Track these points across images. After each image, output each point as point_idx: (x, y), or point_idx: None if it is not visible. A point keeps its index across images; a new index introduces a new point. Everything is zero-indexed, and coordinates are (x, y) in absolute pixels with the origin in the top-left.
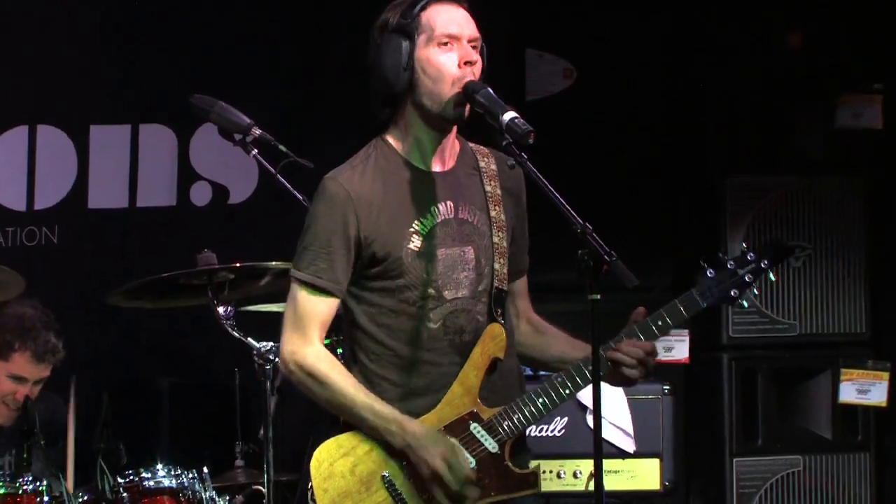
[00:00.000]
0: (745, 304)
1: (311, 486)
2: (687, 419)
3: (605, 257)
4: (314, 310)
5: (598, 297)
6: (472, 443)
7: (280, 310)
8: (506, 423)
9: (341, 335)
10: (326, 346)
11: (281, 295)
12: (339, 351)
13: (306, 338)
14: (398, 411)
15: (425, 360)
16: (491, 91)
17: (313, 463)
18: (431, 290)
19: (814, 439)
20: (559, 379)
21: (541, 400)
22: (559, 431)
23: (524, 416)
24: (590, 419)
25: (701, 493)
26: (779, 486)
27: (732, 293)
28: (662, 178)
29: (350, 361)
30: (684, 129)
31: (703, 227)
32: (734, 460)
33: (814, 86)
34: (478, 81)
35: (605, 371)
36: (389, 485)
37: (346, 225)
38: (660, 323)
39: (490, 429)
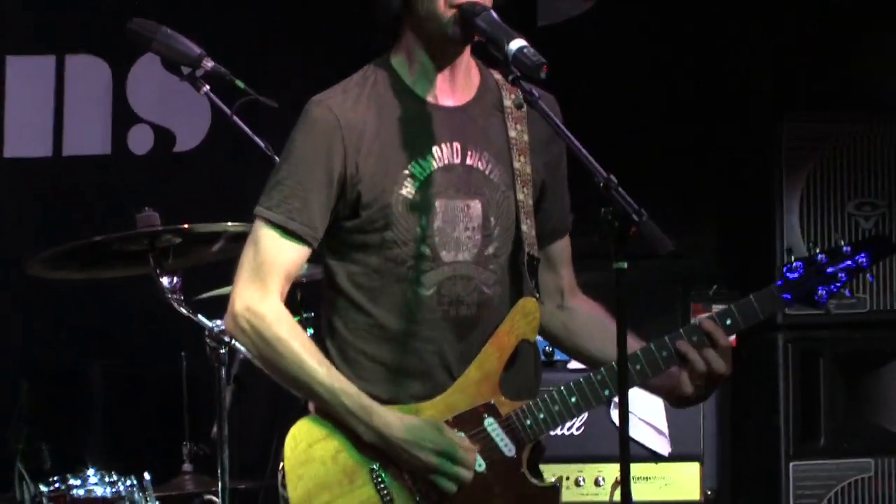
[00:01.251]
0: (832, 309)
1: (283, 470)
2: (734, 414)
3: (634, 217)
4: (280, 257)
5: (625, 265)
6: (484, 442)
7: None
8: (528, 421)
9: (313, 312)
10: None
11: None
12: (310, 332)
13: (266, 291)
14: (366, 396)
15: (414, 335)
16: (494, 14)
17: (289, 441)
18: (425, 249)
19: (888, 438)
20: (598, 377)
21: (573, 399)
22: (577, 429)
23: (551, 415)
24: (615, 415)
25: None
26: (845, 494)
27: (818, 295)
28: (703, 122)
29: (326, 333)
30: (729, 64)
31: (752, 181)
32: (791, 464)
33: (883, 8)
34: (477, 2)
35: (653, 371)
36: (378, 480)
37: (330, 157)
38: (729, 322)
39: (508, 427)
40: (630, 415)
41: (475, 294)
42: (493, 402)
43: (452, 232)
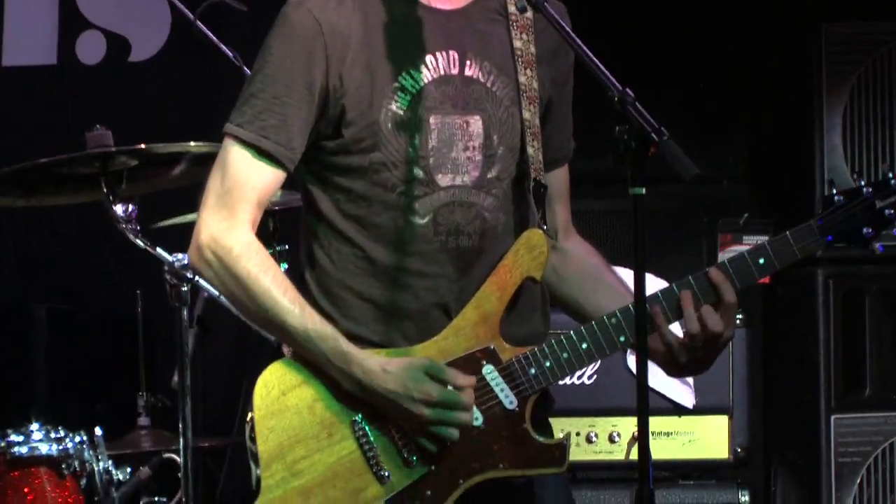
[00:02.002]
0: (881, 247)
1: (252, 421)
2: (767, 362)
3: (653, 136)
4: (252, 181)
5: (643, 191)
6: (481, 392)
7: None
8: (532, 369)
9: (287, 245)
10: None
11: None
12: (284, 267)
13: (234, 220)
14: (345, 340)
15: (408, 269)
16: None
17: (259, 389)
18: (418, 172)
19: None
20: (613, 320)
21: (584, 345)
22: (589, 378)
23: (558, 364)
24: (632, 361)
25: (786, 464)
26: (894, 452)
27: (865, 231)
28: (733, 27)
29: (306, 266)
30: None
31: (788, 95)
32: (833, 418)
33: None
34: None
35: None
36: (360, 434)
37: (310, 67)
38: (762, 261)
39: (510, 376)
40: (649, 361)
41: (476, 222)
42: (492, 347)
43: (449, 152)
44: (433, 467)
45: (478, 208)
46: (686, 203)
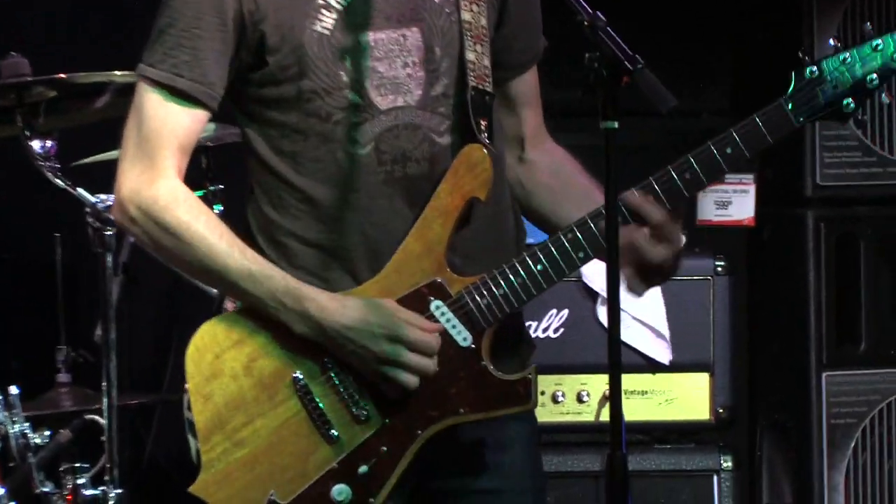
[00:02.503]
0: (867, 119)
1: (187, 390)
2: (752, 313)
3: (626, 64)
4: (169, 126)
5: (615, 124)
6: None
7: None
8: (484, 301)
9: (221, 184)
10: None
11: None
12: (218, 209)
13: (156, 170)
14: (293, 278)
15: (353, 206)
16: None
17: (191, 353)
18: (354, 97)
19: None
20: (568, 235)
21: (539, 266)
22: (555, 331)
23: (513, 290)
24: (602, 312)
25: (773, 426)
26: (892, 412)
27: (846, 102)
28: None
29: (251, 212)
30: None
31: (775, 18)
32: (824, 375)
33: None
34: None
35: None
36: (303, 391)
37: None
38: (729, 150)
39: (461, 310)
40: (622, 313)
41: (424, 146)
42: (439, 280)
43: (388, 71)
44: (387, 420)
45: (424, 130)
46: (663, 138)
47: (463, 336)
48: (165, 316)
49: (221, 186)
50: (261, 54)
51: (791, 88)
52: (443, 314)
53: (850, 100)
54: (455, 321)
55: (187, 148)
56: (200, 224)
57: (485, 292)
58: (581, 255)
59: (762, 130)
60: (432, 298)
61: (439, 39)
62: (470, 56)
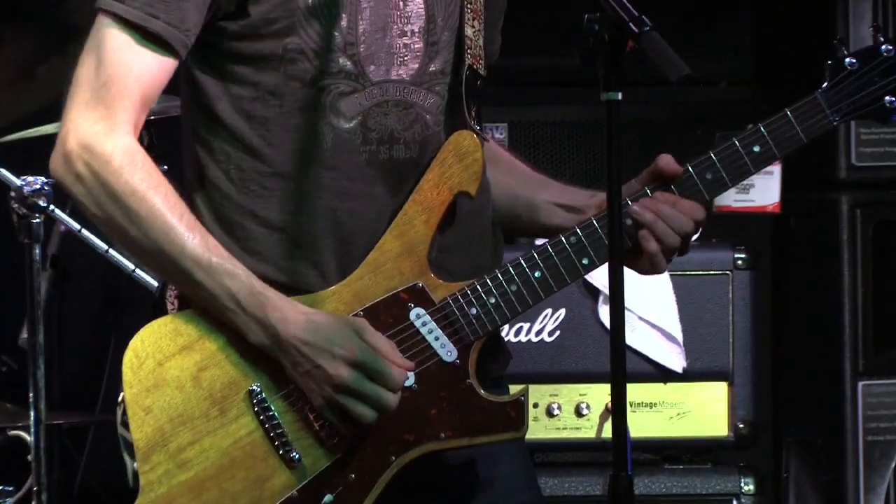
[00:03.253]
0: None
1: (124, 401)
2: (777, 313)
3: (632, 26)
4: (136, 71)
5: (619, 96)
6: (412, 343)
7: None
8: (473, 311)
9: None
10: None
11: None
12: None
13: (113, 121)
14: (258, 278)
15: (327, 187)
16: None
17: (129, 360)
18: (345, 63)
19: None
20: (571, 239)
21: (537, 274)
22: (550, 335)
23: (506, 299)
24: (604, 312)
25: (801, 444)
26: None
27: (888, 100)
28: None
29: (195, 186)
30: None
31: None
32: (861, 384)
33: None
34: None
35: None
36: (260, 406)
37: None
38: (757, 149)
39: (445, 320)
40: (628, 313)
41: (416, 127)
42: (420, 284)
43: (383, 38)
44: (356, 443)
45: (417, 110)
46: (674, 111)
47: (447, 350)
48: (102, 319)
49: (165, 167)
50: (243, 3)
51: (827, 82)
52: (424, 324)
53: (892, 97)
54: (438, 332)
55: (150, 101)
56: (159, 197)
57: (474, 301)
58: (585, 261)
59: (795, 129)
60: (412, 305)
61: (442, 10)
62: (468, 32)
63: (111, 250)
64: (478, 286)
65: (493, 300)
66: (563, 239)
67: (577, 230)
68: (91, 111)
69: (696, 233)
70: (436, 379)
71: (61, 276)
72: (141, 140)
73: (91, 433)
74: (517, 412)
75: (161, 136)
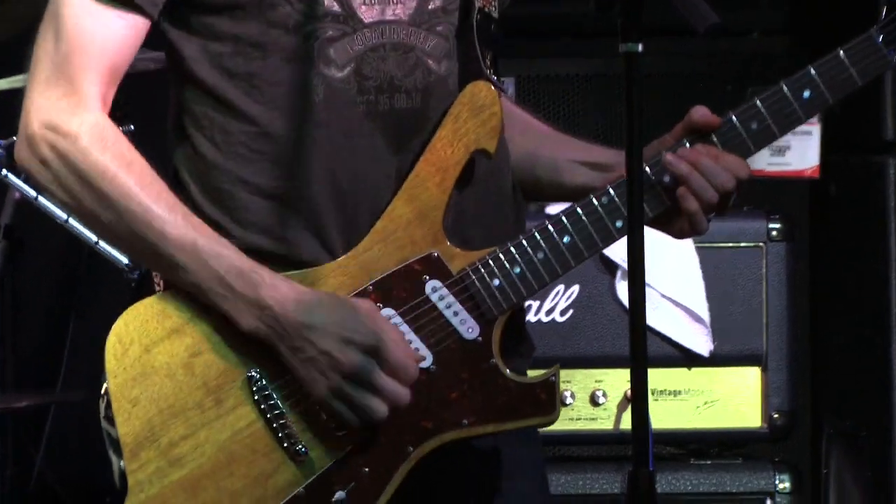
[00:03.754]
0: None
1: (108, 392)
2: (815, 290)
3: None
4: (101, 38)
5: (639, 47)
6: (428, 320)
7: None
8: (496, 282)
9: (131, 126)
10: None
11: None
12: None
13: (78, 95)
14: (247, 257)
15: (321, 144)
16: None
17: (112, 345)
18: (331, 4)
19: None
20: (604, 199)
21: (567, 239)
22: (563, 314)
23: (532, 269)
24: (623, 288)
25: (843, 436)
26: None
27: None
28: None
29: (178, 154)
30: None
31: None
32: None
33: None
34: None
35: (655, 203)
36: (261, 395)
37: None
38: (807, 94)
39: (465, 293)
40: (649, 290)
41: (417, 73)
42: (436, 254)
43: None
44: (368, 433)
45: (418, 53)
46: (702, 64)
47: (468, 327)
48: (61, 292)
49: (132, 127)
50: None
51: (884, 17)
52: (441, 298)
53: None
54: (457, 307)
55: (119, 70)
56: (133, 176)
57: (496, 271)
58: (619, 223)
59: (849, 70)
60: (427, 278)
61: None
62: None
63: (71, 220)
64: (500, 255)
65: (517, 270)
66: (593, 199)
67: (610, 189)
68: (53, 89)
69: (735, 193)
70: (456, 359)
71: (16, 247)
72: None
73: (49, 421)
74: (548, 394)
75: (129, 94)
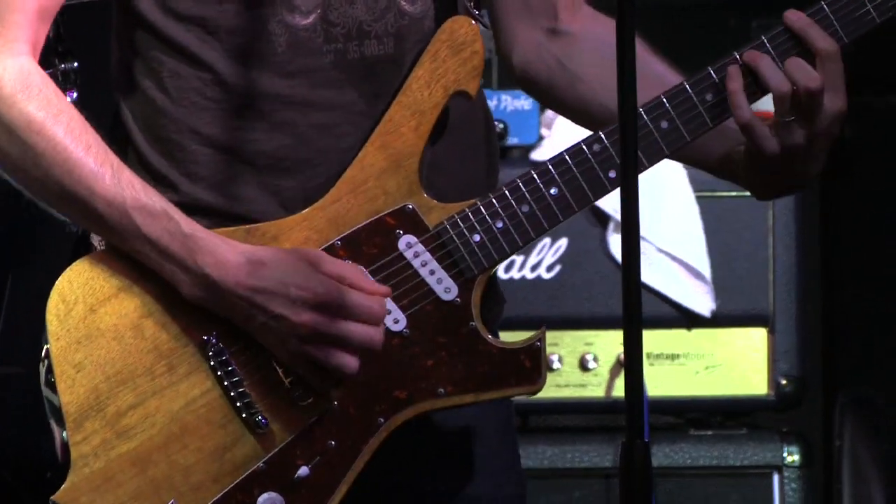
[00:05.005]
0: None
1: (48, 357)
2: (827, 244)
3: None
4: None
5: None
6: (402, 279)
7: None
8: (476, 238)
9: (76, 62)
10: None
11: None
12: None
13: (2, 39)
14: (185, 215)
15: (285, 96)
16: None
17: (54, 305)
18: None
19: None
20: (596, 147)
21: (553, 190)
22: (549, 270)
23: (516, 223)
24: (616, 241)
25: (858, 404)
26: None
27: None
28: None
29: (122, 103)
30: None
31: None
32: None
33: None
34: None
35: (693, 128)
36: (218, 360)
37: None
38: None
39: (441, 248)
40: (645, 244)
41: (389, 17)
42: (411, 206)
43: None
44: (336, 403)
45: None
46: None
47: (445, 286)
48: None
49: (76, 65)
50: None
51: None
52: (416, 255)
53: None
54: (434, 265)
55: (48, 13)
56: (60, 127)
57: (476, 226)
58: (612, 173)
59: (867, 6)
60: (401, 232)
61: None
62: None
63: None
64: (481, 207)
65: (500, 224)
66: (584, 147)
67: (602, 135)
68: None
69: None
70: (432, 322)
71: None
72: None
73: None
74: (533, 361)
75: (71, 29)
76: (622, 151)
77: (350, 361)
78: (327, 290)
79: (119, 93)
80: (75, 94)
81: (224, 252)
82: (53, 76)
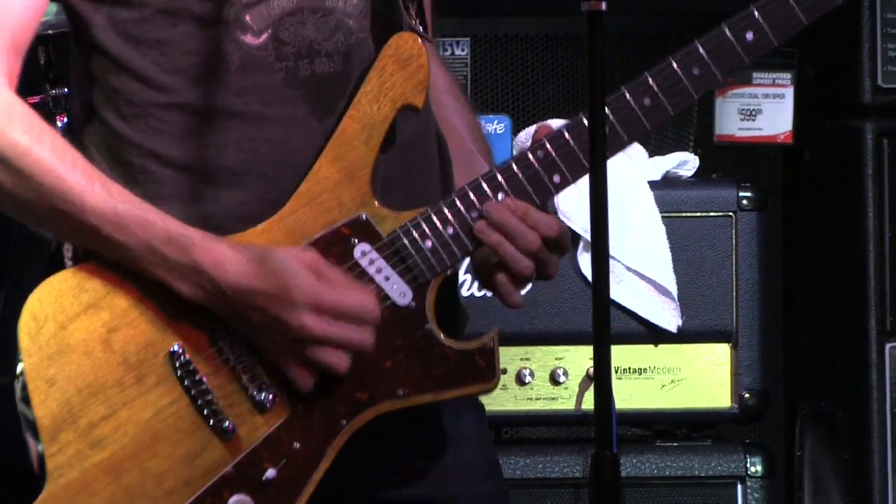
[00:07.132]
0: None
1: (22, 374)
2: (789, 262)
3: None
4: (0, 14)
5: (603, 5)
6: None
7: None
8: (428, 243)
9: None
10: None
11: None
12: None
13: None
14: (178, 222)
15: (239, 114)
16: None
17: (25, 324)
18: None
19: None
20: (539, 153)
21: (500, 196)
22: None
23: (466, 229)
24: (585, 260)
25: (818, 416)
26: None
27: None
28: None
29: (83, 129)
30: None
31: None
32: (888, 346)
33: None
34: None
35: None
36: (184, 370)
37: None
38: (750, 36)
39: (395, 255)
40: (613, 262)
41: (339, 36)
42: (364, 216)
43: None
44: (299, 407)
45: (338, 15)
46: (668, 23)
47: (401, 291)
48: None
49: (66, 90)
50: None
51: None
52: (371, 263)
53: None
54: (388, 271)
55: (22, 45)
56: (45, 149)
57: (428, 232)
58: (557, 178)
59: (793, 7)
60: (356, 241)
61: None
62: None
63: None
64: (432, 214)
65: (450, 230)
66: (528, 154)
67: (546, 142)
68: None
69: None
70: (389, 326)
71: None
72: (37, 59)
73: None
74: (486, 361)
75: (61, 55)
76: (591, 175)
77: (342, 362)
78: (325, 295)
79: (81, 124)
80: (66, 120)
81: (221, 250)
82: (44, 102)
